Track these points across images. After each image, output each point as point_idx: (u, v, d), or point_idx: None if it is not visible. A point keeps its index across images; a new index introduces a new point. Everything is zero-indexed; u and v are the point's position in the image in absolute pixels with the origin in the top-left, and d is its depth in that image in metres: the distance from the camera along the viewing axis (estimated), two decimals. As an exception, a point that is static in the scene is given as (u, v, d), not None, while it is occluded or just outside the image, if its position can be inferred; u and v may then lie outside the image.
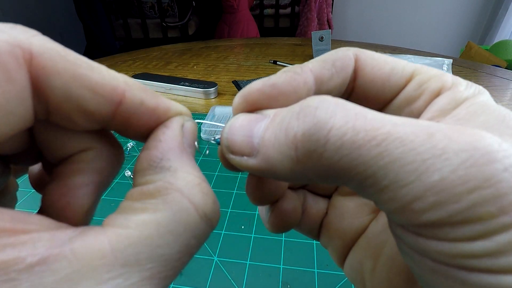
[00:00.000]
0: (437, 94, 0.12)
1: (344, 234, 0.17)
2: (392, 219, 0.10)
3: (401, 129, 0.09)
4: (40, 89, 0.09)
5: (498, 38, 2.04)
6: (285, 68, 0.13)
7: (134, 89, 0.11)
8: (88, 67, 0.10)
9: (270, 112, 0.12)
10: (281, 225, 0.16)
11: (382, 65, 0.13)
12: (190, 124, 0.13)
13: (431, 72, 0.13)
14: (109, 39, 1.83)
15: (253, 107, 0.13)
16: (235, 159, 0.12)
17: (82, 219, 0.12)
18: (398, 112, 0.14)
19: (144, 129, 0.12)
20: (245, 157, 0.12)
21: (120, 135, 0.12)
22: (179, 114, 0.13)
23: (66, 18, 2.32)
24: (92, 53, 1.75)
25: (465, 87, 0.12)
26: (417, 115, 0.13)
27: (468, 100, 0.12)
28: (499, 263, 0.08)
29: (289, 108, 0.11)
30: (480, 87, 0.12)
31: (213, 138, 0.14)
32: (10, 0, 1.97)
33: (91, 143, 0.12)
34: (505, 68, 0.90)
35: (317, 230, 0.18)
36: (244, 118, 0.12)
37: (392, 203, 0.09)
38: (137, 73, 0.76)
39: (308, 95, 0.13)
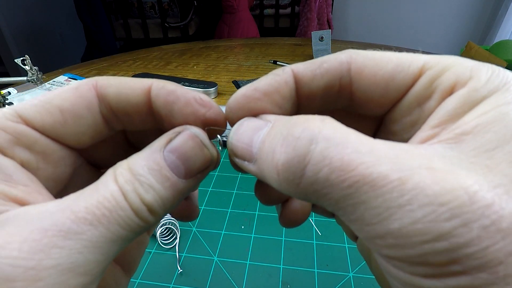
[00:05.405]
0: (450, 91, 0.11)
1: None
2: None
3: (376, 170, 0.09)
4: (104, 100, 0.14)
5: (498, 38, 2.04)
6: (269, 72, 0.14)
7: (158, 80, 0.14)
8: (125, 79, 0.14)
9: (270, 118, 0.13)
10: (291, 222, 0.17)
11: (383, 64, 0.12)
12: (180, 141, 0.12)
13: (445, 63, 0.11)
14: (109, 39, 1.83)
15: (245, 111, 0.13)
16: (238, 162, 0.13)
17: None
18: (408, 113, 0.13)
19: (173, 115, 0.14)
20: (246, 162, 0.13)
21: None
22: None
23: (66, 18, 2.32)
24: (92, 53, 1.75)
25: (485, 81, 0.10)
26: (428, 116, 0.12)
27: (486, 100, 0.10)
28: None
29: (284, 122, 0.11)
30: (509, 76, 0.10)
31: (218, 140, 0.14)
32: (10, 0, 1.97)
33: None
34: (505, 68, 0.90)
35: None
36: (246, 126, 0.13)
37: (359, 233, 0.10)
38: (137, 73, 0.76)
39: (291, 93, 0.13)
